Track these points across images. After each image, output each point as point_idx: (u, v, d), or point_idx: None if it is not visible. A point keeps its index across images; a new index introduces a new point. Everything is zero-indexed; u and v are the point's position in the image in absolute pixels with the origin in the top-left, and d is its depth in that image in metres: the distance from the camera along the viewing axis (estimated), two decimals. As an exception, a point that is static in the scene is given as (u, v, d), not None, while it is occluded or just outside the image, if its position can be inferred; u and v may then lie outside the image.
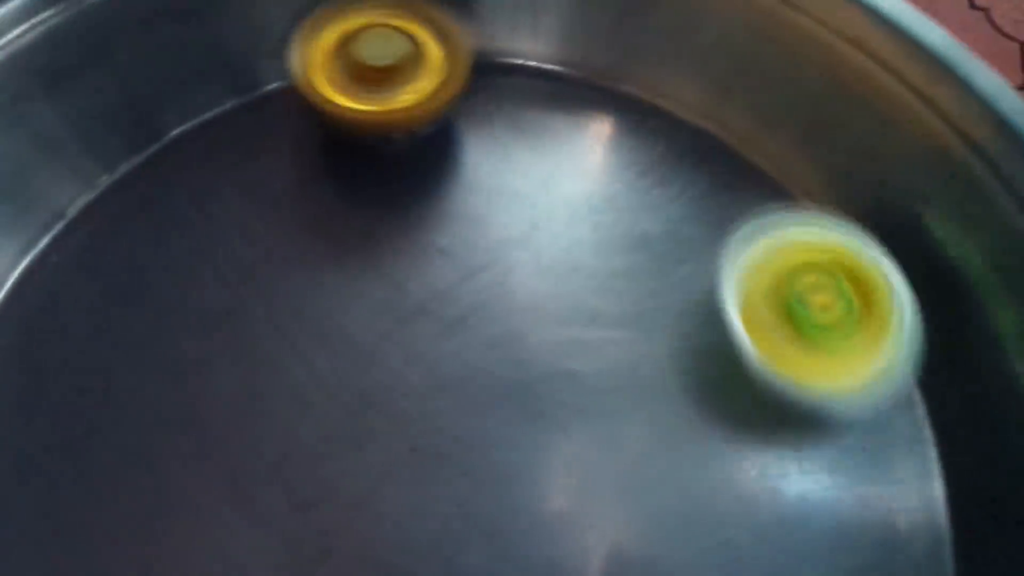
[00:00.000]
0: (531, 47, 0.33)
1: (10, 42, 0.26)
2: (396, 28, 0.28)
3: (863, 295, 0.24)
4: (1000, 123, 0.24)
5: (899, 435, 0.26)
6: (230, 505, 0.25)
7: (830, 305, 0.23)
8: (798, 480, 0.25)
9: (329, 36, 0.29)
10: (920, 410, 0.27)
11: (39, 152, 0.28)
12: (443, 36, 0.29)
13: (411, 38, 0.28)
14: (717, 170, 0.31)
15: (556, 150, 0.31)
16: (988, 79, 0.25)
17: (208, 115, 0.31)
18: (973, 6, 0.57)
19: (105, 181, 0.30)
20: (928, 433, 0.26)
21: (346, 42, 0.28)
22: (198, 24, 0.29)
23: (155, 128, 0.31)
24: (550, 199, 0.30)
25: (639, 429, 0.26)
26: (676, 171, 0.31)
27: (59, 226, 0.29)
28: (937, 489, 0.26)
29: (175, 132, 0.31)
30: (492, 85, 0.32)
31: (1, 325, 0.27)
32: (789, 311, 0.24)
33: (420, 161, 0.31)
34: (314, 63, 0.28)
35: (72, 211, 0.29)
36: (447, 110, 0.28)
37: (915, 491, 0.26)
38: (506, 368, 0.27)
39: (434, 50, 0.29)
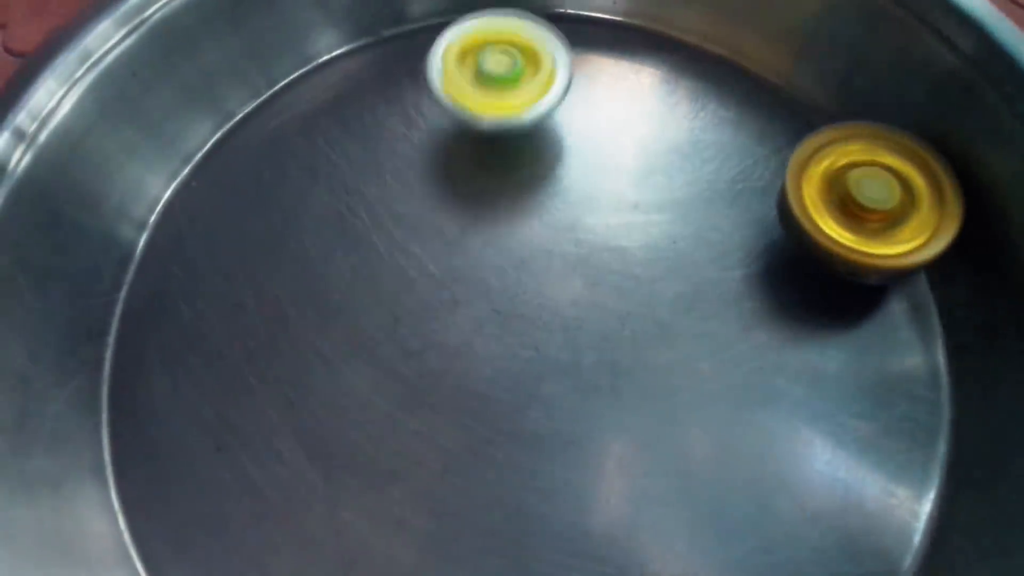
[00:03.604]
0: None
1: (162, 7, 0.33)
2: (892, 170, 0.29)
3: (531, 58, 0.33)
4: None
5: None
6: (354, 357, 0.31)
7: (504, 63, 0.32)
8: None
9: (822, 160, 0.30)
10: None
11: (184, 96, 0.35)
12: (935, 185, 0.29)
13: (906, 184, 0.29)
14: (733, 89, 0.37)
15: (601, 81, 0.37)
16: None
17: (321, 60, 0.38)
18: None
19: (233, 119, 0.37)
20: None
21: (839, 172, 0.29)
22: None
23: (272, 76, 0.37)
24: (596, 119, 0.36)
25: (677, 286, 0.32)
26: (696, 93, 0.37)
27: (199, 156, 0.36)
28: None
29: (291, 77, 0.38)
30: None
31: (159, 232, 0.34)
32: (475, 69, 0.33)
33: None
34: (807, 185, 0.29)
35: (209, 144, 0.36)
36: (931, 263, 0.28)
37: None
38: (569, 245, 0.33)
39: (925, 200, 0.29)
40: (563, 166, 0.35)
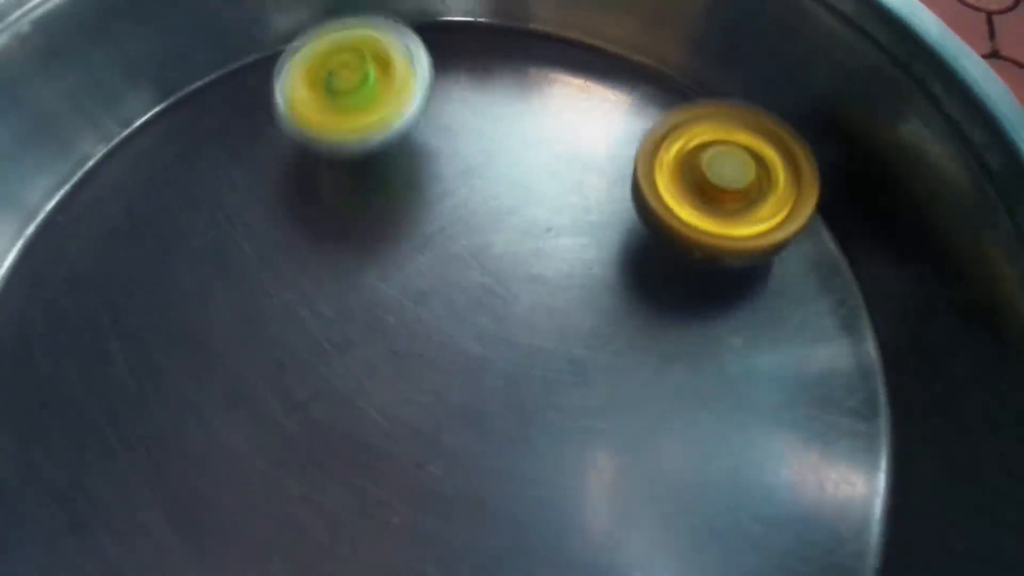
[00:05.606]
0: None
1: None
2: (746, 148, 0.27)
3: (385, 70, 0.29)
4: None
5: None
6: (232, 411, 0.27)
7: (353, 76, 0.29)
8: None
9: (674, 143, 0.28)
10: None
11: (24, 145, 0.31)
12: (791, 160, 0.27)
13: (762, 161, 0.27)
14: (651, 93, 0.34)
15: (506, 91, 0.34)
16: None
17: (197, 84, 0.34)
18: (939, -22, 0.60)
19: (99, 151, 0.33)
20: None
21: (691, 154, 0.28)
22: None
23: (136, 104, 0.34)
24: (503, 134, 0.33)
25: (592, 319, 0.29)
26: (616, 105, 0.34)
27: (65, 189, 0.32)
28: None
29: (158, 107, 0.34)
30: (445, 41, 0.35)
31: (20, 270, 0.30)
32: (323, 83, 0.29)
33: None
34: (659, 171, 0.27)
35: (77, 174, 0.32)
36: (786, 246, 0.27)
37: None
38: (474, 275, 0.30)
39: (781, 176, 0.27)
40: (467, 187, 0.32)
